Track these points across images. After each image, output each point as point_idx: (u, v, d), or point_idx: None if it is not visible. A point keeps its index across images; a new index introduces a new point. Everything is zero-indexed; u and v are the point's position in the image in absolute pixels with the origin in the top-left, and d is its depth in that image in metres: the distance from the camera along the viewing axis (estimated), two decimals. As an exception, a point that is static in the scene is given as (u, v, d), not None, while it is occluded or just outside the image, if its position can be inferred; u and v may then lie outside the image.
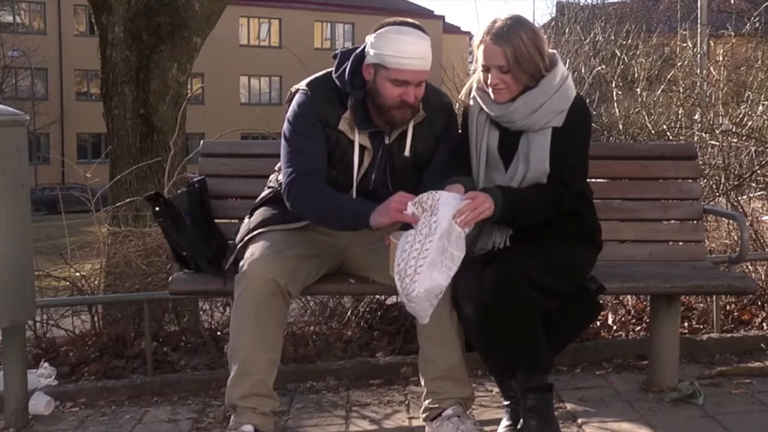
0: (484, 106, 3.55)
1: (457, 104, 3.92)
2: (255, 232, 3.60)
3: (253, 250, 3.50)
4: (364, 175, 3.59)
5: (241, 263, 3.49)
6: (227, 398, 3.45)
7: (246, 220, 3.73)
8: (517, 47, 3.40)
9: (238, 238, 3.70)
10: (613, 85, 7.85)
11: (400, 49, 3.40)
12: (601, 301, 3.81)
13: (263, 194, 3.78)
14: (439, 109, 3.65)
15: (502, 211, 3.36)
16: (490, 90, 3.50)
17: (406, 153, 3.58)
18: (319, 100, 3.54)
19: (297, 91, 3.64)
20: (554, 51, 3.60)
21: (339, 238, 3.60)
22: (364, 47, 3.53)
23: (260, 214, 3.69)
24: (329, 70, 3.60)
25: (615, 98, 7.80)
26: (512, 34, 3.41)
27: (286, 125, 3.60)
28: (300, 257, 3.51)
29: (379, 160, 3.59)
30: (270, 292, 3.40)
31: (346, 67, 3.53)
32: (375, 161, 3.59)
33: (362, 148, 3.56)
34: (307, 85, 3.60)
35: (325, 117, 3.53)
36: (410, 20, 3.51)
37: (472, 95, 3.63)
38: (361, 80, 3.51)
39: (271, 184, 3.77)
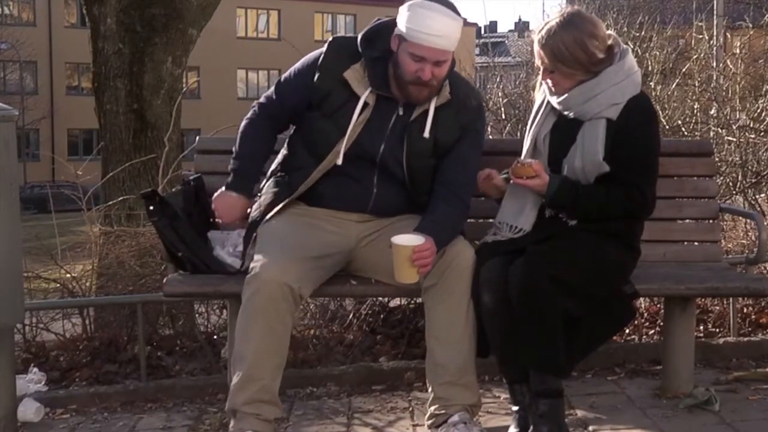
0: (547, 94, 3.73)
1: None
2: (270, 214, 3.66)
3: (265, 250, 3.50)
4: (362, 134, 3.60)
5: (251, 264, 3.49)
6: (229, 403, 3.45)
7: (256, 204, 3.78)
8: (556, 50, 3.56)
9: (251, 218, 3.76)
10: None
11: (422, 24, 3.44)
12: (636, 307, 3.88)
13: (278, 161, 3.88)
14: (469, 101, 3.70)
15: (553, 195, 3.57)
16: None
17: (426, 134, 3.60)
18: (334, 50, 3.65)
19: None
20: (627, 47, 3.73)
21: (348, 238, 3.60)
22: (392, 20, 3.60)
23: (269, 195, 3.74)
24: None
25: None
26: (554, 36, 3.57)
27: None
28: (313, 259, 3.53)
29: (391, 130, 3.61)
30: (282, 296, 3.41)
31: (366, 28, 3.62)
32: (385, 129, 3.61)
33: (364, 104, 3.59)
34: (332, 39, 3.71)
35: (330, 65, 3.61)
36: None
37: (541, 86, 3.79)
38: (384, 43, 3.57)
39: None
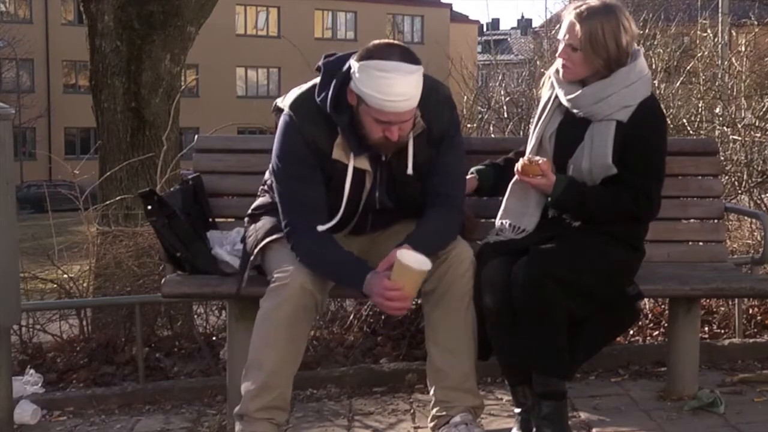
0: (557, 88, 3.70)
1: (465, 97, 3.92)
2: (272, 237, 3.57)
3: (289, 261, 3.45)
4: (368, 197, 3.57)
5: (278, 273, 3.44)
6: (241, 408, 3.43)
7: (251, 227, 3.70)
8: (593, 30, 3.54)
9: (248, 246, 3.67)
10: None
11: (383, 91, 3.28)
12: (640, 308, 3.87)
13: (263, 202, 3.76)
14: (439, 108, 3.56)
15: (559, 196, 3.56)
16: (560, 65, 3.67)
17: (409, 171, 3.51)
18: (305, 124, 3.47)
19: (281, 110, 3.58)
20: (639, 48, 3.71)
21: (354, 247, 3.57)
22: (349, 67, 3.40)
23: (269, 221, 3.65)
24: (314, 83, 3.52)
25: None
26: (594, 16, 3.55)
27: (275, 161, 3.55)
28: None
29: (380, 178, 3.55)
30: (306, 306, 3.41)
31: (328, 92, 3.42)
32: (376, 181, 3.56)
33: (362, 171, 3.51)
34: (291, 107, 3.52)
35: (314, 141, 3.46)
36: (399, 44, 3.39)
37: (550, 79, 3.76)
38: (346, 102, 3.41)
39: (266, 187, 3.77)
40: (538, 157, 3.60)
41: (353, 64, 3.37)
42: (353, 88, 3.37)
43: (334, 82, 3.42)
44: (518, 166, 3.59)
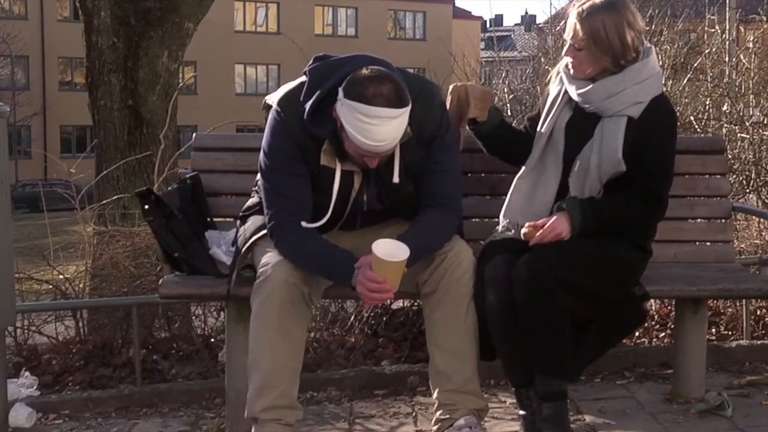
0: (566, 83, 3.69)
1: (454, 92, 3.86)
2: (259, 234, 3.58)
3: (270, 256, 3.46)
4: (356, 198, 3.57)
5: (260, 269, 3.46)
6: (248, 411, 3.44)
7: (241, 228, 3.71)
8: (594, 29, 3.54)
9: (239, 246, 3.67)
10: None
11: (364, 135, 3.27)
12: (646, 309, 3.86)
13: (252, 203, 3.77)
14: (428, 109, 3.52)
15: (580, 228, 3.51)
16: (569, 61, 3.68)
17: (395, 179, 3.50)
18: (294, 122, 3.45)
19: (270, 107, 3.57)
20: (650, 45, 3.70)
21: (344, 243, 3.57)
22: (333, 85, 3.36)
23: (258, 219, 3.66)
24: (302, 81, 3.49)
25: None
26: (595, 14, 3.54)
27: (262, 156, 3.55)
28: None
29: (369, 181, 3.55)
30: (294, 299, 3.41)
31: (305, 108, 3.39)
32: (364, 184, 3.56)
33: (351, 172, 3.51)
34: (279, 104, 3.51)
35: (301, 140, 3.45)
36: (390, 79, 3.31)
37: (559, 75, 3.76)
38: (330, 114, 3.37)
39: (256, 188, 3.78)
40: (527, 225, 3.52)
41: (340, 91, 3.32)
42: (338, 111, 3.33)
43: (317, 93, 3.39)
44: (523, 235, 3.53)
